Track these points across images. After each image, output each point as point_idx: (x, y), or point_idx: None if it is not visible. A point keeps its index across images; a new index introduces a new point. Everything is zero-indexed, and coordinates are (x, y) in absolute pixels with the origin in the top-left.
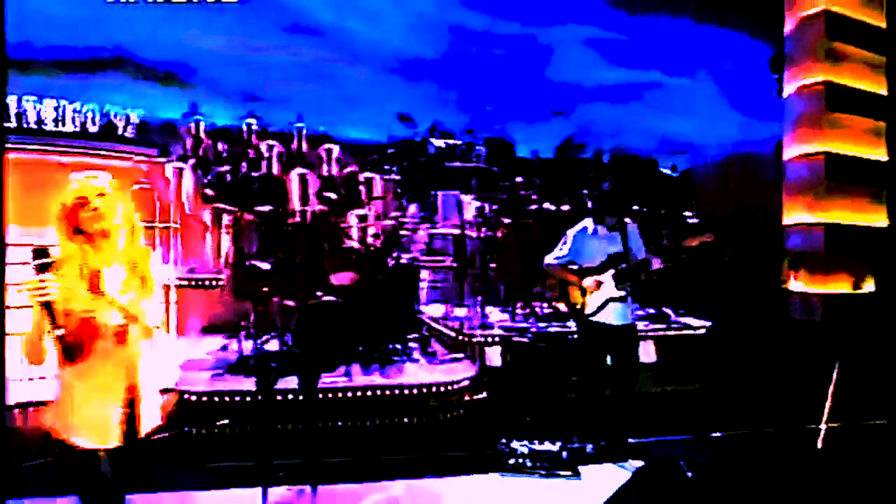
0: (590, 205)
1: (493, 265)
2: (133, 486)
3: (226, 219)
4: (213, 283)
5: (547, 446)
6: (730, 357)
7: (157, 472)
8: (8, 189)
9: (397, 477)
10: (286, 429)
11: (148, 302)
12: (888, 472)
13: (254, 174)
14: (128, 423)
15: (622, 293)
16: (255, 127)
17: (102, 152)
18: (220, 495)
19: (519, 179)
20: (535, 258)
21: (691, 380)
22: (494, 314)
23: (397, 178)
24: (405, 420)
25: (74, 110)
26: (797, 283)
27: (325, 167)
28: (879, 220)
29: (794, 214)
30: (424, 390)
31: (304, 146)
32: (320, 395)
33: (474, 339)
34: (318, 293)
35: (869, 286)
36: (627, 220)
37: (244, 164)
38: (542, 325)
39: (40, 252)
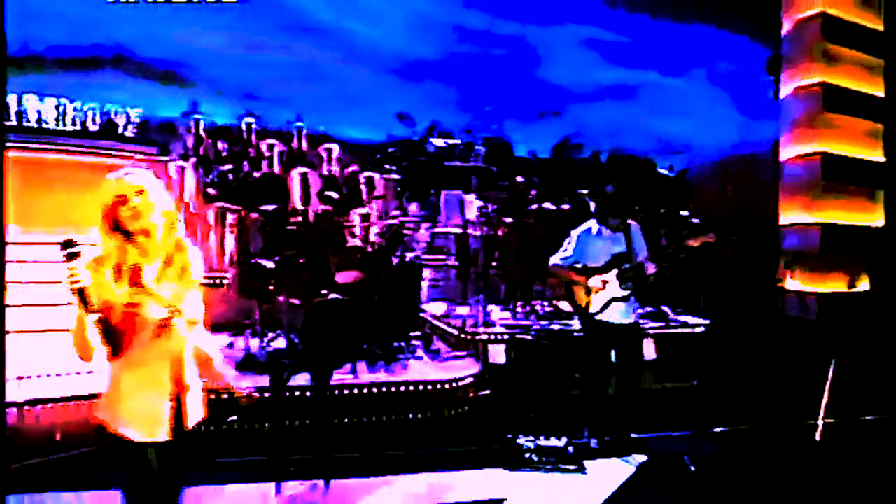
0: (592, 205)
1: (493, 264)
2: (180, 479)
3: (229, 217)
4: (218, 281)
5: (552, 441)
6: (728, 354)
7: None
8: (8, 189)
9: (407, 471)
10: (296, 425)
11: (191, 296)
12: (883, 465)
13: (255, 173)
14: (175, 417)
15: (625, 293)
16: (254, 126)
17: (102, 151)
18: (233, 490)
19: (520, 179)
20: (536, 257)
21: (690, 377)
22: (495, 312)
23: (398, 177)
24: (410, 416)
25: (75, 109)
26: (793, 282)
27: (326, 166)
28: (875, 220)
29: (791, 214)
30: (430, 387)
31: (305, 145)
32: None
33: (478, 337)
34: (324, 291)
35: (864, 285)
36: (630, 220)
37: (245, 163)
38: (543, 323)
39: (68, 243)
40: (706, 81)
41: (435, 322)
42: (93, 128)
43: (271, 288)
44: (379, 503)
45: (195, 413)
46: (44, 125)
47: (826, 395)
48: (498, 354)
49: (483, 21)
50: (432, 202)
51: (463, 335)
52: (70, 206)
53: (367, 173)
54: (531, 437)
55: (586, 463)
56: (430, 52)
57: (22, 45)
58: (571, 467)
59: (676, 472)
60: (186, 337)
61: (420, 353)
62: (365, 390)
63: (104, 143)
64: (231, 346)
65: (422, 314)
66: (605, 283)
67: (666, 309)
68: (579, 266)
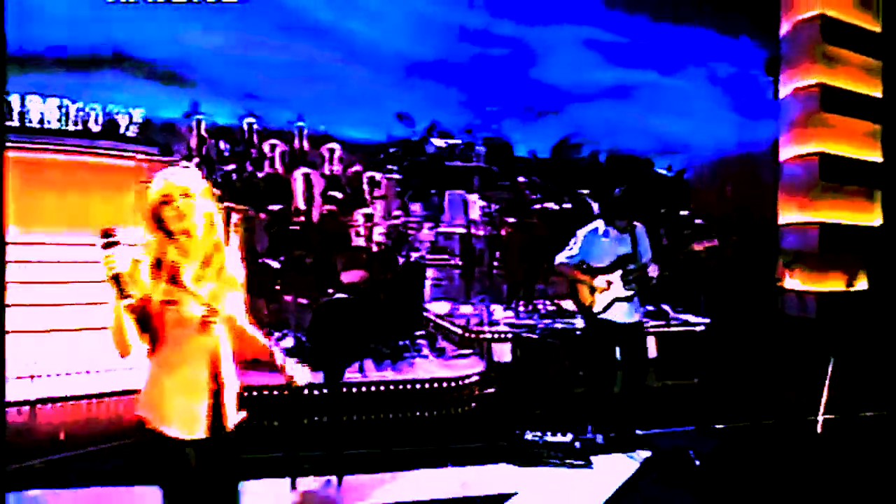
0: (594, 205)
1: (496, 263)
2: (230, 477)
3: (234, 217)
4: None
5: (559, 437)
6: (728, 352)
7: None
8: (8, 189)
9: (417, 467)
10: (309, 422)
11: (229, 296)
12: (882, 460)
13: (259, 174)
14: (214, 415)
15: (629, 293)
16: (255, 126)
17: (104, 151)
18: (247, 486)
19: (522, 179)
20: (538, 256)
21: (691, 375)
22: (498, 311)
23: (400, 177)
24: (418, 414)
25: (78, 109)
26: (793, 281)
27: (328, 166)
28: (873, 219)
29: (790, 214)
30: (436, 385)
31: (306, 145)
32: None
33: (483, 336)
34: (330, 290)
35: (862, 284)
36: (636, 223)
37: (248, 163)
38: (546, 321)
39: (107, 233)
40: (705, 81)
41: (439, 321)
42: (95, 128)
43: (278, 287)
44: (393, 498)
45: (235, 412)
46: (46, 125)
47: (826, 392)
48: (503, 353)
49: (482, 21)
50: (435, 202)
51: (467, 334)
52: (73, 207)
53: (369, 173)
54: (538, 433)
55: (592, 458)
56: (430, 53)
57: (23, 45)
58: (579, 462)
59: (682, 467)
60: (224, 336)
61: (426, 351)
62: (373, 388)
63: (106, 143)
64: None
65: (425, 313)
66: (609, 283)
67: (666, 307)
68: (584, 266)
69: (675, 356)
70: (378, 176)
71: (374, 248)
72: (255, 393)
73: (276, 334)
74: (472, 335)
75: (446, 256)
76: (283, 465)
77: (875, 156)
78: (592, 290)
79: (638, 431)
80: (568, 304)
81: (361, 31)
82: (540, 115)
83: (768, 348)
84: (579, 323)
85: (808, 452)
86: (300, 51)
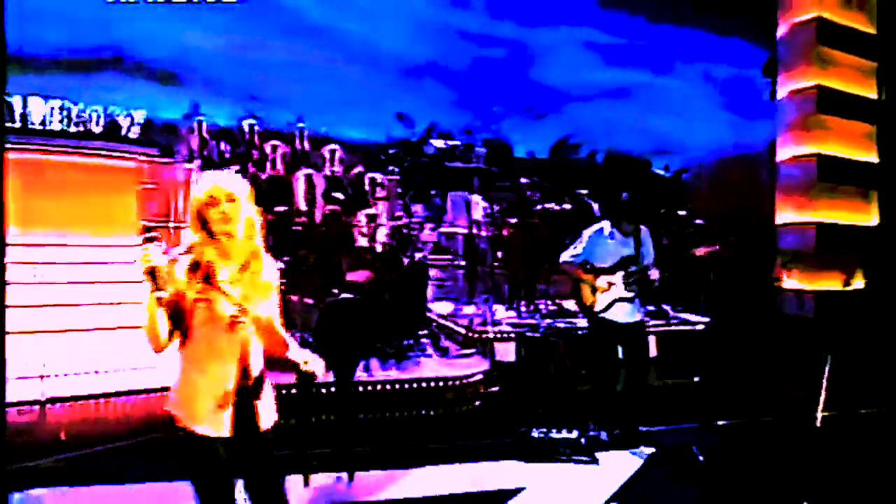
0: (594, 206)
1: (497, 263)
2: (270, 475)
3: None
4: None
5: (564, 434)
6: (727, 351)
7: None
8: (8, 189)
9: (425, 464)
10: (318, 420)
11: (261, 301)
12: (880, 455)
13: (261, 175)
14: (241, 414)
15: (630, 294)
16: (256, 127)
17: (105, 152)
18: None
19: (524, 180)
20: (540, 256)
21: (691, 373)
22: (500, 311)
23: (403, 178)
24: (423, 412)
25: (80, 110)
26: (790, 281)
27: (330, 167)
28: (869, 219)
29: (787, 214)
30: (441, 384)
31: (307, 146)
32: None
33: (486, 335)
34: (335, 291)
35: (858, 283)
36: (642, 226)
37: (250, 164)
38: (548, 321)
39: (147, 229)
40: (703, 83)
41: (442, 321)
42: (96, 129)
43: (283, 288)
44: (405, 494)
45: (267, 410)
46: (47, 127)
47: (824, 389)
48: (506, 352)
49: (481, 23)
50: (436, 203)
51: (471, 333)
52: (74, 208)
53: (371, 174)
54: (544, 430)
55: (598, 455)
56: (429, 54)
57: (24, 46)
58: (585, 458)
59: (686, 462)
60: (255, 337)
61: (429, 351)
62: (378, 387)
63: (107, 144)
64: None
65: (428, 313)
66: (610, 283)
67: (666, 307)
68: (588, 265)
69: (674, 355)
70: (379, 177)
71: (379, 249)
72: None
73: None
74: (476, 335)
75: (449, 257)
76: (295, 463)
77: (871, 156)
78: (594, 289)
79: (641, 428)
80: (569, 304)
81: (360, 32)
82: (538, 116)
83: (767, 347)
84: (581, 322)
85: (807, 448)
86: (300, 52)
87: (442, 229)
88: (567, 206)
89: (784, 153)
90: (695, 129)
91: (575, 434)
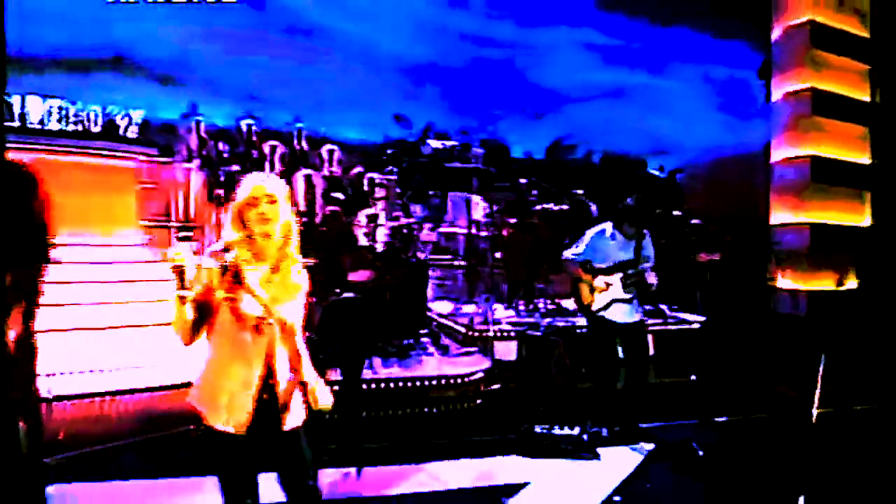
0: (592, 206)
1: (494, 263)
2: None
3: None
4: None
5: (566, 430)
6: (723, 349)
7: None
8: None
9: (429, 460)
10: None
11: (289, 304)
12: (872, 449)
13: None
14: (266, 412)
15: (628, 295)
16: (254, 128)
17: (104, 152)
18: (267, 476)
19: (522, 181)
20: (539, 256)
21: (687, 371)
22: (499, 310)
23: (401, 178)
24: (426, 409)
25: (78, 110)
26: (784, 280)
27: (328, 168)
28: (862, 220)
29: (782, 214)
30: (443, 381)
31: (305, 146)
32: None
33: (487, 334)
34: (337, 290)
35: (851, 283)
36: (645, 230)
37: (249, 164)
38: (548, 319)
39: (185, 227)
40: (698, 84)
41: (441, 320)
42: (94, 129)
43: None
44: (413, 488)
45: (294, 410)
46: (46, 126)
47: (818, 386)
48: (507, 350)
49: (478, 24)
50: (434, 203)
51: (472, 332)
52: (73, 207)
53: (370, 174)
54: (546, 427)
55: (599, 450)
56: (427, 55)
57: (24, 46)
58: (587, 454)
59: (686, 457)
60: (280, 338)
61: (431, 349)
62: (382, 385)
63: (106, 144)
64: None
65: (428, 312)
66: (608, 284)
67: (663, 307)
68: (589, 265)
69: (671, 353)
70: (378, 177)
71: (379, 249)
72: None
73: None
74: (476, 333)
75: (449, 256)
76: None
77: (864, 158)
78: (592, 289)
79: (641, 425)
80: (567, 303)
81: (358, 33)
82: (535, 117)
83: (761, 345)
84: (580, 321)
85: (803, 443)
86: (297, 53)
87: (441, 229)
88: (565, 207)
89: (778, 154)
90: (690, 129)
91: (576, 431)
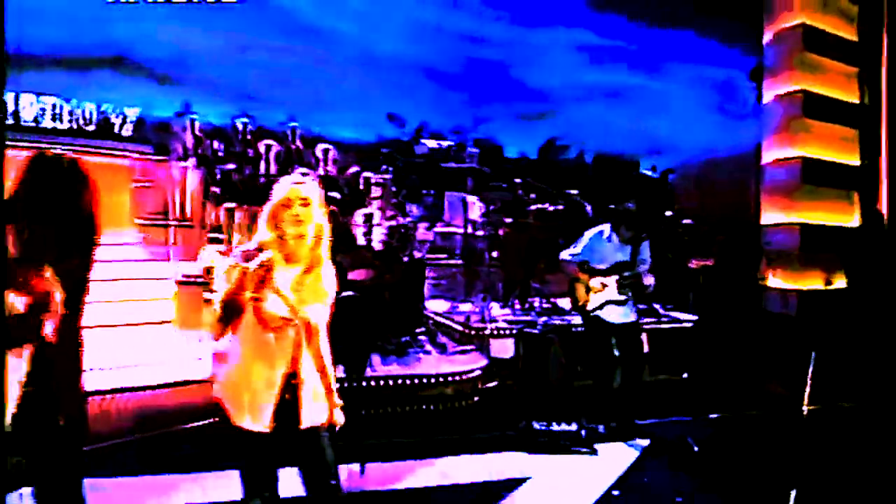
0: (587, 206)
1: (493, 262)
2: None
3: (237, 217)
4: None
5: (564, 427)
6: (715, 348)
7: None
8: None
9: (430, 456)
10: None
11: (316, 306)
12: (860, 445)
13: (260, 174)
14: (287, 411)
15: (623, 297)
16: (249, 126)
17: (98, 150)
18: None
19: (518, 180)
20: (534, 255)
21: (680, 370)
22: (494, 309)
23: (396, 178)
24: (424, 406)
25: (73, 108)
26: (775, 280)
27: (324, 167)
28: (851, 220)
29: (772, 215)
30: (441, 379)
31: (300, 146)
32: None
33: (484, 332)
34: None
35: (840, 282)
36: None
37: (245, 163)
38: (544, 318)
39: (215, 228)
40: (693, 86)
41: (438, 318)
42: (89, 127)
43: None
44: (416, 484)
45: (317, 409)
46: (41, 124)
47: (808, 384)
48: (503, 348)
49: (471, 24)
50: (429, 203)
51: (469, 330)
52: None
53: (366, 174)
54: (544, 423)
55: (596, 446)
56: (420, 55)
57: (20, 44)
58: (585, 450)
59: (681, 452)
60: (305, 339)
61: (428, 347)
62: (381, 382)
63: (100, 142)
64: None
65: (425, 311)
66: (604, 285)
67: (656, 306)
68: (586, 265)
69: (664, 352)
70: (373, 176)
71: (377, 248)
72: None
73: None
74: (473, 332)
75: (445, 256)
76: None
77: (853, 159)
78: (588, 289)
79: (637, 421)
80: (563, 302)
81: (351, 32)
82: (529, 118)
83: (752, 343)
84: (576, 320)
85: (794, 439)
86: (291, 52)
87: (437, 228)
88: (560, 207)
89: (769, 155)
90: (683, 130)
91: (574, 427)
